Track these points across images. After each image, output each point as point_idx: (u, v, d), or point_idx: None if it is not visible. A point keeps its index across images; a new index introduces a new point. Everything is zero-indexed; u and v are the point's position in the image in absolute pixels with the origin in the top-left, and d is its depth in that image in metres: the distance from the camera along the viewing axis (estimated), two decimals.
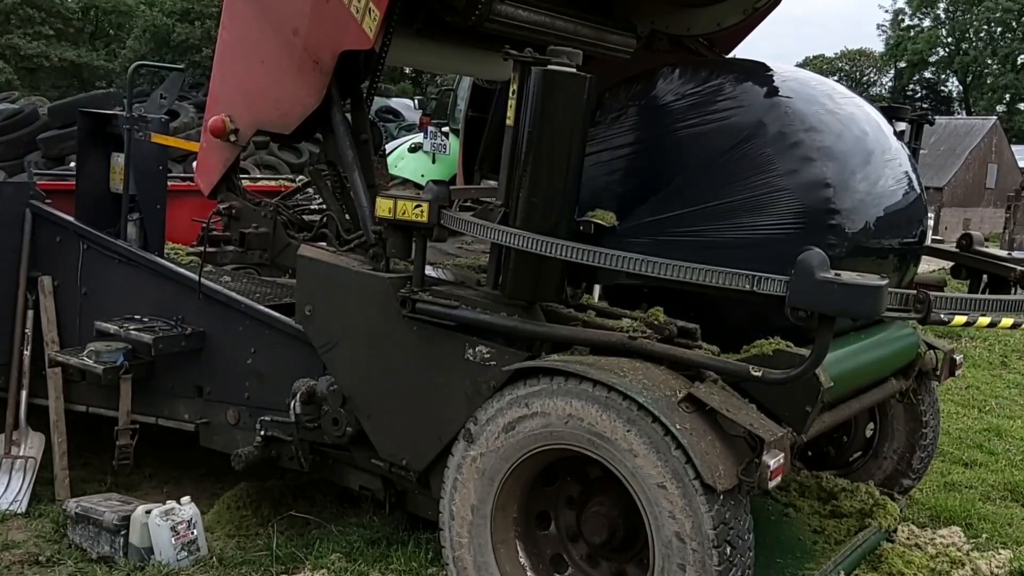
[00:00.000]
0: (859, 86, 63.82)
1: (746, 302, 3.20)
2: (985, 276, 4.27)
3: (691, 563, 3.01)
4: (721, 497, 3.01)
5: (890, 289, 2.86)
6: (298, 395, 3.98)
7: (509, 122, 3.43)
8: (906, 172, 3.99)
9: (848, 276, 2.83)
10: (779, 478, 3.08)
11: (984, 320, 3.05)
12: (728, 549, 3.02)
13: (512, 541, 3.51)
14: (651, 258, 3.12)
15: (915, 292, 2.95)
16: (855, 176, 3.65)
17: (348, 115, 4.15)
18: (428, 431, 3.71)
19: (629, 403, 3.10)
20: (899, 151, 4.01)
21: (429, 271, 3.86)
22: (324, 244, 4.21)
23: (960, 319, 2.98)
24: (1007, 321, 3.09)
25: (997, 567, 4.30)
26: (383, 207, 3.68)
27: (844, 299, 2.82)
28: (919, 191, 4.04)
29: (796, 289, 2.86)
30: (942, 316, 2.93)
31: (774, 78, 3.84)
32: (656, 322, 3.47)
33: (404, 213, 3.64)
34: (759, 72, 3.92)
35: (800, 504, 4.37)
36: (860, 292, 2.81)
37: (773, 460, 3.03)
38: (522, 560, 3.51)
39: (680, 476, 3.01)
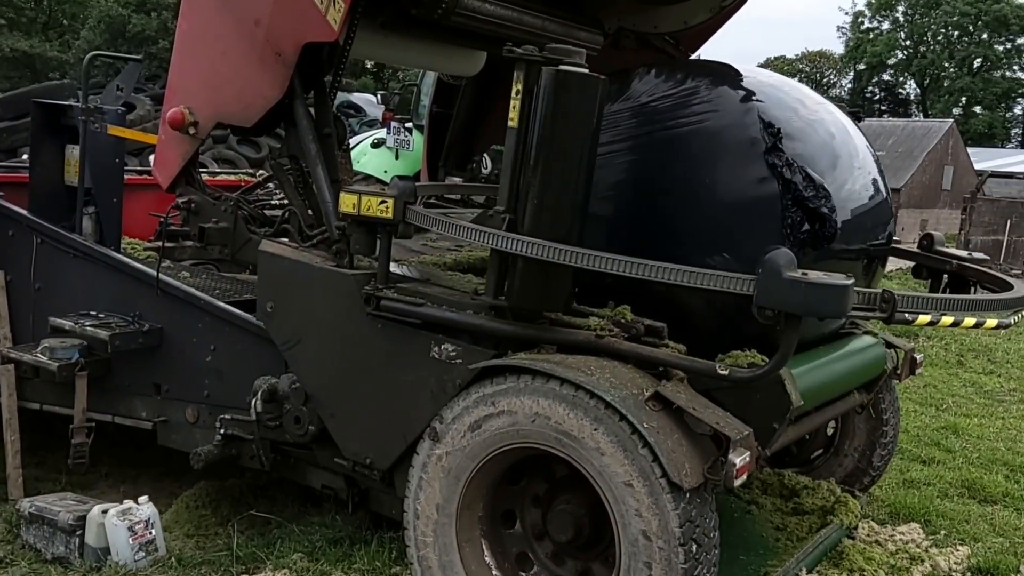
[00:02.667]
0: (819, 87, 64.63)
1: (716, 308, 3.20)
2: (946, 276, 4.32)
3: (657, 561, 3.01)
4: (687, 495, 3.01)
5: (856, 289, 2.87)
6: (259, 393, 3.91)
7: (512, 123, 3.33)
8: (873, 177, 4.01)
9: (815, 276, 2.85)
10: (745, 476, 3.08)
11: (947, 319, 3.08)
12: (694, 547, 3.02)
13: (477, 540, 3.48)
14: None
15: (881, 292, 2.97)
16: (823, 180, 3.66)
17: (311, 109, 4.09)
18: (393, 430, 3.66)
19: (596, 401, 3.08)
20: (867, 156, 4.03)
21: (394, 268, 3.82)
22: (286, 240, 4.14)
23: (924, 318, 3.00)
24: (969, 320, 3.12)
25: (955, 563, 4.36)
26: (347, 203, 3.62)
27: (810, 298, 2.83)
28: (885, 194, 4.07)
29: (763, 288, 2.86)
30: (907, 316, 2.95)
31: (747, 82, 3.84)
32: (623, 320, 3.46)
33: (369, 209, 3.58)
34: (732, 75, 3.91)
35: (763, 501, 4.40)
36: (826, 291, 2.82)
37: (739, 458, 3.03)
38: (487, 559, 3.48)
39: (647, 474, 3.00)
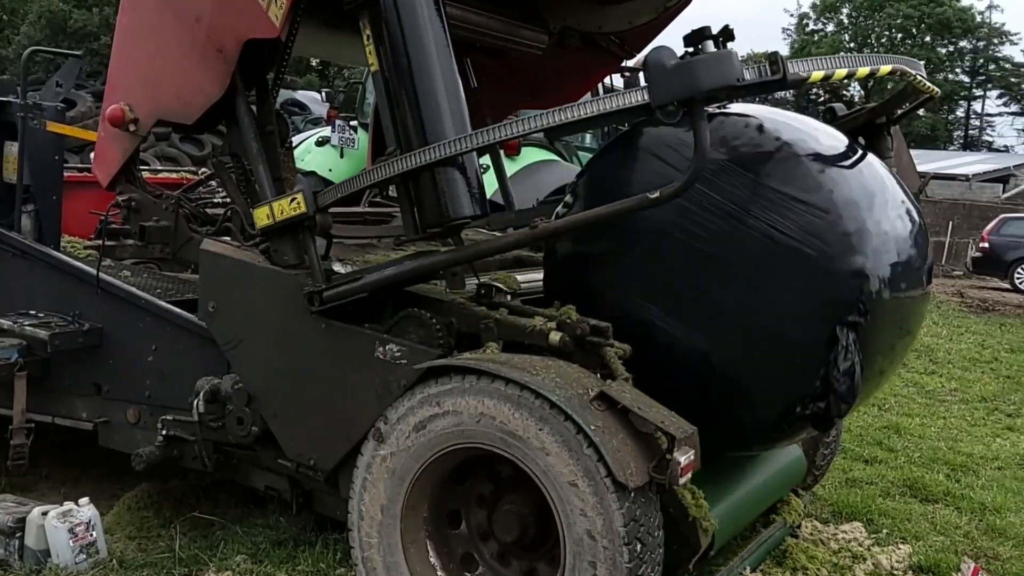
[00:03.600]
0: None
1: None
2: (860, 138, 4.17)
3: (602, 560, 3.01)
4: (632, 494, 3.01)
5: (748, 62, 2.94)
6: (201, 394, 3.86)
7: (374, 68, 3.46)
8: (914, 221, 3.69)
9: (700, 55, 2.90)
10: (689, 474, 3.09)
11: (841, 72, 3.08)
12: (638, 546, 3.03)
13: (422, 541, 3.46)
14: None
15: (768, 54, 2.98)
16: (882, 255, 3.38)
17: (253, 106, 4.04)
18: (337, 430, 3.63)
19: (541, 401, 3.08)
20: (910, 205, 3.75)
21: (338, 267, 3.78)
22: (228, 239, 4.08)
23: (818, 74, 3.00)
24: (863, 70, 3.17)
25: (897, 561, 4.41)
26: (261, 216, 3.65)
27: (701, 71, 2.86)
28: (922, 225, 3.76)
29: (655, 86, 2.88)
30: (800, 74, 2.96)
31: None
32: (568, 320, 3.46)
33: (283, 213, 3.59)
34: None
35: None
36: (716, 61, 2.86)
37: (684, 457, 3.04)
38: (432, 560, 3.46)
39: (592, 474, 3.00)
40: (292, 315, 3.71)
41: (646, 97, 2.91)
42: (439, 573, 3.46)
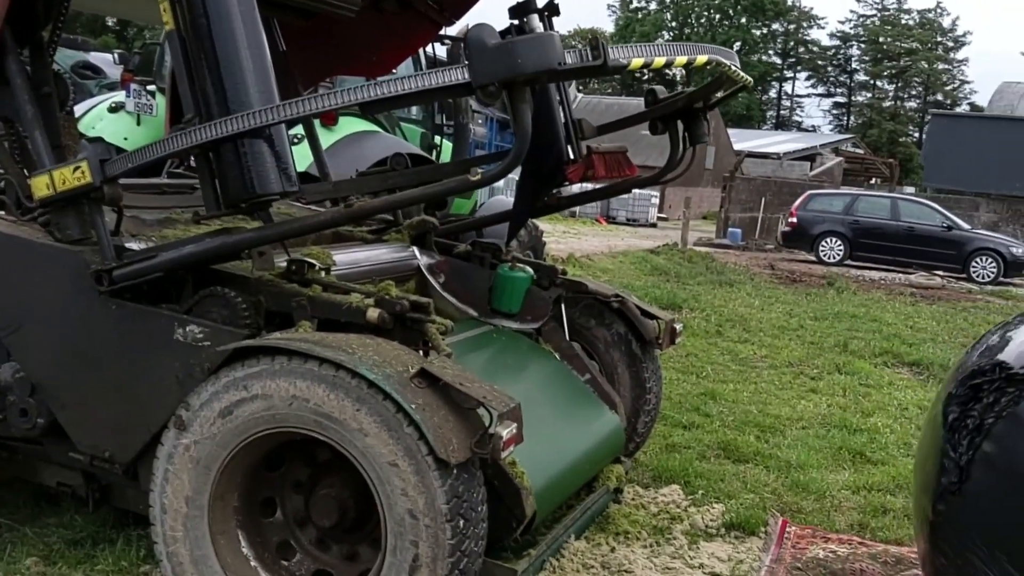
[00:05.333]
0: None
1: None
2: (680, 122, 4.38)
3: (424, 539, 2.93)
4: (454, 471, 2.94)
5: (570, 45, 2.92)
6: None
7: (169, 27, 3.22)
8: None
9: (521, 37, 2.88)
10: (511, 448, 3.06)
11: (660, 60, 3.12)
12: (461, 522, 2.96)
13: (233, 531, 3.26)
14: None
15: (590, 39, 3.01)
16: None
17: (27, 66, 3.66)
18: (134, 420, 3.36)
19: (359, 381, 2.94)
20: None
21: (132, 244, 3.50)
22: (3, 213, 3.70)
23: (638, 61, 3.02)
24: (681, 59, 3.20)
25: (711, 520, 4.58)
26: (40, 187, 3.33)
27: (523, 53, 2.83)
28: None
29: (477, 66, 2.83)
30: (620, 60, 2.97)
31: None
32: (387, 296, 3.35)
33: (65, 183, 3.28)
34: None
35: None
36: (537, 43, 2.84)
37: (506, 431, 3.00)
38: (245, 550, 3.27)
39: (413, 453, 2.91)
40: (78, 296, 3.41)
41: (467, 76, 2.83)
42: (253, 563, 3.27)
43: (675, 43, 3.32)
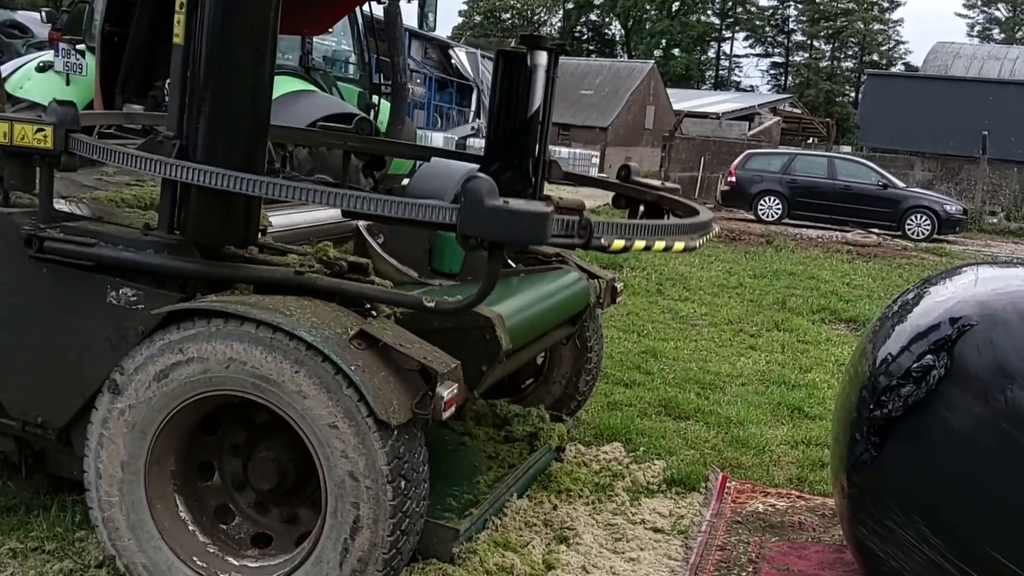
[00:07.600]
0: (530, 25, 66.56)
1: None
2: (642, 206, 4.51)
3: (365, 500, 2.93)
4: (395, 432, 2.94)
5: (557, 216, 2.89)
6: None
7: (178, 40, 3.05)
8: None
9: (516, 203, 2.83)
10: (453, 408, 3.06)
11: (640, 243, 3.16)
12: (402, 483, 2.97)
13: (170, 495, 3.22)
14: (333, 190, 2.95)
15: (578, 219, 3.00)
16: None
17: None
18: (66, 385, 3.29)
19: (296, 343, 2.91)
20: None
21: (62, 205, 3.39)
22: None
23: (618, 243, 3.06)
24: (660, 244, 3.23)
25: (652, 476, 4.64)
26: None
27: (513, 225, 2.81)
28: None
29: (467, 217, 2.81)
30: (602, 241, 3.01)
31: None
32: (325, 257, 3.31)
33: (23, 138, 3.16)
34: None
35: (476, 432, 4.45)
36: (528, 218, 2.81)
37: (447, 391, 3.00)
38: (182, 515, 3.24)
39: (353, 414, 2.89)
40: (6, 259, 3.31)
41: (455, 220, 2.78)
42: (191, 527, 3.24)
43: (657, 222, 3.49)
